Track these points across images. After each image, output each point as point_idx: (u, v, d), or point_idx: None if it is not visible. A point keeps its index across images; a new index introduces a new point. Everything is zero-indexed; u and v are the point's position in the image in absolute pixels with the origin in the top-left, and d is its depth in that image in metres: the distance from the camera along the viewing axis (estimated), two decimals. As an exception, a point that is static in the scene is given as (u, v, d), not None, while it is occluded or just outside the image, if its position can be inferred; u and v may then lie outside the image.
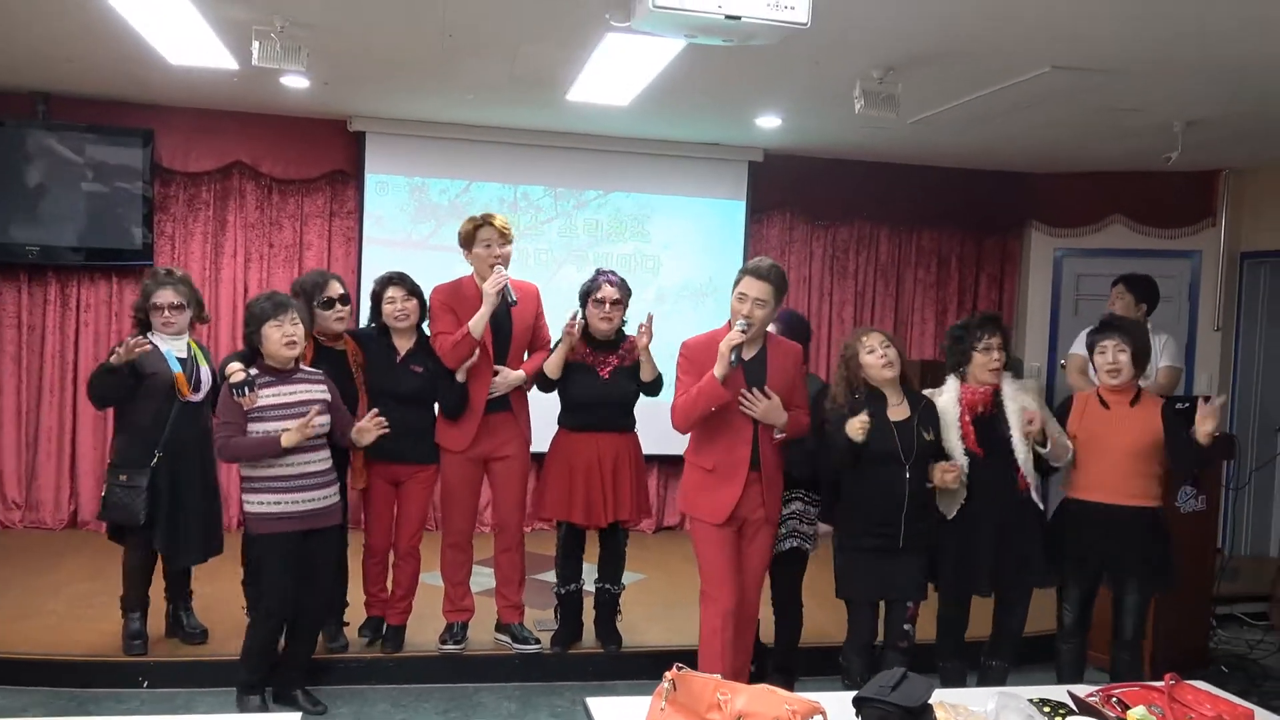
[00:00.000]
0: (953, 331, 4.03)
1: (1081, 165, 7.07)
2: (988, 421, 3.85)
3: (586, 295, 4.45)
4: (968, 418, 3.84)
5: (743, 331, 3.60)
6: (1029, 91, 4.87)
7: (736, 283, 3.73)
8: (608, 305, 4.39)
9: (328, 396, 3.90)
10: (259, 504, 3.78)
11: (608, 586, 4.63)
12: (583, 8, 3.97)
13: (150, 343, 4.16)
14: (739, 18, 3.07)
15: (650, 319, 4.34)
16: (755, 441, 3.77)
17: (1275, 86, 4.71)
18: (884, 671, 2.19)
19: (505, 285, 4.22)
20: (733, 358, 3.60)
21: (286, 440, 3.70)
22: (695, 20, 3.10)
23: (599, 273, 4.50)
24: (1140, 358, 3.93)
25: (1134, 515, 3.89)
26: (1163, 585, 3.98)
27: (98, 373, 4.20)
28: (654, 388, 4.46)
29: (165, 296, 4.24)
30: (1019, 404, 3.85)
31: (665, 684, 1.99)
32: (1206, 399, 3.83)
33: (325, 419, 3.85)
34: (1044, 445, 3.84)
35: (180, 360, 4.26)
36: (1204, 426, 3.73)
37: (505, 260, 4.32)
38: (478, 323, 4.22)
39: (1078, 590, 4.02)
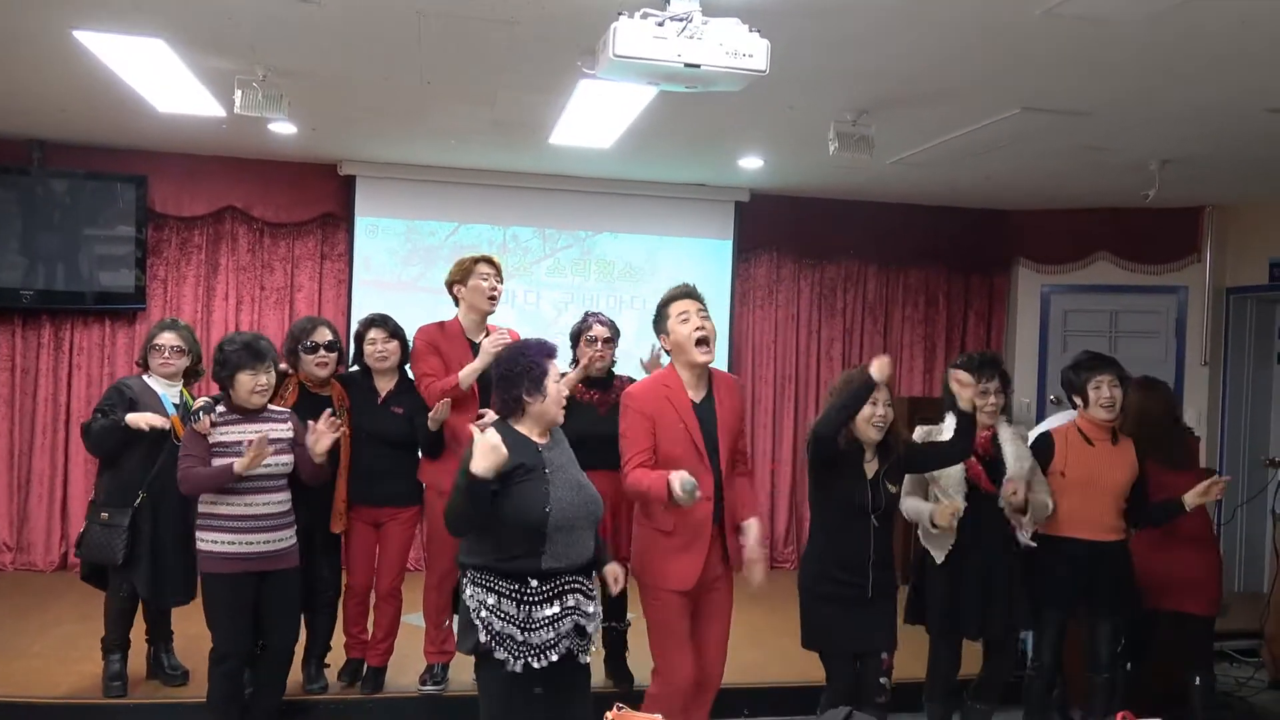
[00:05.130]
0: (950, 370, 4.08)
1: (1065, 202, 7.13)
2: (988, 465, 3.91)
3: (577, 336, 4.58)
4: (974, 458, 3.87)
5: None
6: (1001, 132, 4.94)
7: (665, 317, 3.50)
8: (600, 343, 4.51)
9: (291, 434, 3.93)
10: (211, 542, 3.78)
11: (614, 624, 4.59)
12: (556, 55, 4.06)
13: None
14: (698, 65, 3.12)
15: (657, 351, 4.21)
16: (718, 492, 3.50)
17: (1248, 124, 4.77)
18: (830, 711, 2.21)
19: (502, 337, 4.15)
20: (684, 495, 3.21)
21: (239, 466, 3.68)
22: (656, 68, 3.15)
23: (588, 314, 4.65)
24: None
25: (1111, 549, 4.02)
26: (1135, 611, 4.08)
27: (108, 428, 4.19)
28: None
29: (167, 339, 4.36)
30: (1015, 449, 3.94)
31: (607, 724, 2.01)
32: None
33: (288, 459, 3.87)
34: (1024, 513, 3.91)
35: (175, 405, 4.33)
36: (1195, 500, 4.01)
37: (496, 296, 4.37)
38: (468, 375, 4.22)
39: (1054, 627, 4.06)
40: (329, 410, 4.00)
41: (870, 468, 3.69)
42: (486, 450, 2.88)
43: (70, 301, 6.38)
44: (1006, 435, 4.00)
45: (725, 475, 3.55)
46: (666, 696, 3.48)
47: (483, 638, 3.00)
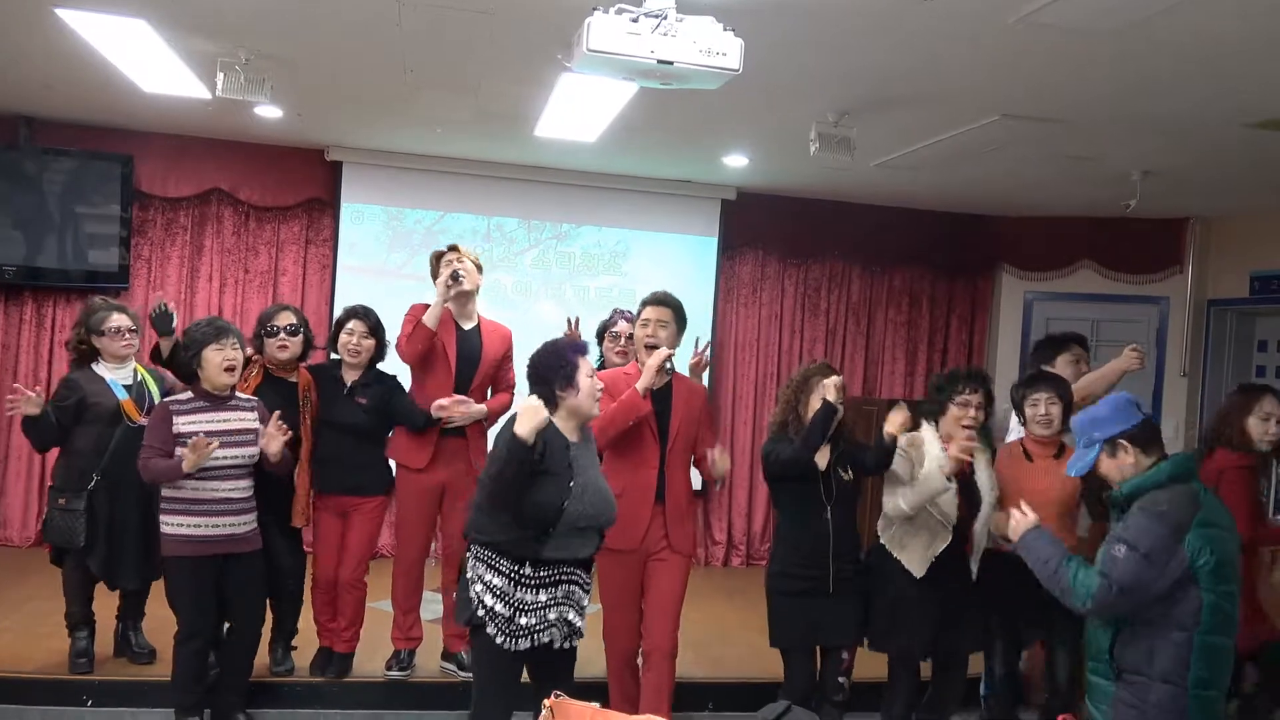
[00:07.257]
0: (935, 380, 4.10)
1: (1048, 210, 7.16)
2: (962, 488, 3.86)
3: (603, 332, 4.75)
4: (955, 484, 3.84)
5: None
6: (982, 139, 4.95)
7: (635, 318, 4.02)
8: (623, 340, 4.66)
9: (258, 425, 3.94)
10: (175, 525, 3.80)
11: None
12: (535, 48, 4.07)
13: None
14: (671, 63, 3.13)
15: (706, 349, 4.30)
16: (662, 469, 3.85)
17: (1226, 138, 4.78)
18: (768, 705, 2.24)
19: (454, 270, 4.26)
20: (669, 365, 3.78)
21: (186, 465, 3.69)
22: (630, 64, 3.16)
23: (615, 311, 4.83)
24: (1067, 412, 3.99)
25: None
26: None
27: (24, 423, 4.19)
28: None
29: (121, 320, 4.31)
30: (988, 477, 3.92)
31: (545, 712, 2.04)
32: None
33: (254, 450, 3.88)
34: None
35: (126, 386, 4.30)
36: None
37: (469, 278, 4.36)
38: (431, 315, 4.27)
39: (1006, 644, 4.07)
40: (278, 413, 3.99)
41: (822, 459, 3.77)
42: (529, 411, 3.02)
43: (53, 279, 6.38)
44: (981, 463, 3.96)
45: (672, 459, 3.87)
46: (616, 658, 3.83)
47: (478, 612, 3.12)
